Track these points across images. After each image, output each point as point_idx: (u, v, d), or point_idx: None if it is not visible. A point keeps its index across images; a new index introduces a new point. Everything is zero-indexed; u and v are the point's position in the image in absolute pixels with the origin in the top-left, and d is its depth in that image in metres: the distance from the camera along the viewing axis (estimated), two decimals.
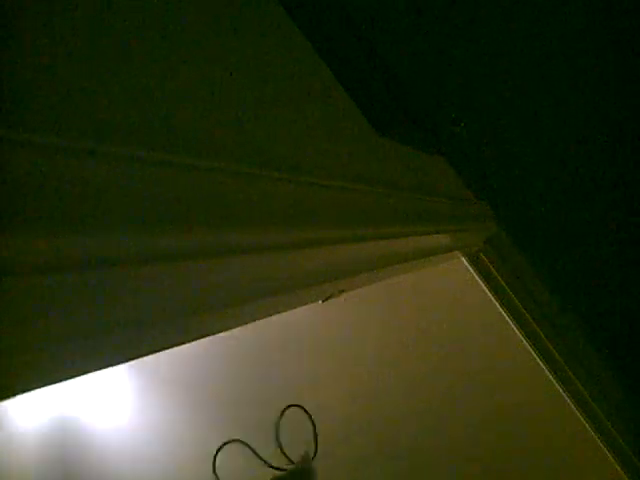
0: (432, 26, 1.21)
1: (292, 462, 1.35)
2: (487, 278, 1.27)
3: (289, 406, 1.39)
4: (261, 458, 1.34)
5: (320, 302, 0.73)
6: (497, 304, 1.28)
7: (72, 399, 1.59)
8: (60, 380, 0.33)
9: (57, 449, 1.53)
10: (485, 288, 1.27)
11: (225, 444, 1.33)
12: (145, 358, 0.39)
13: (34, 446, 1.54)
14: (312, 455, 1.38)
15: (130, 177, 0.30)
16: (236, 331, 0.56)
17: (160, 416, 1.40)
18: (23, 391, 0.30)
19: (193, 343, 0.45)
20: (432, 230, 0.90)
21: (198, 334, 0.46)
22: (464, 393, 1.35)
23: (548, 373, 1.26)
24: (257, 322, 0.57)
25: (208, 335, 0.48)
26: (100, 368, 0.36)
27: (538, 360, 1.26)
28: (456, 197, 1.13)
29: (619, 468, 1.23)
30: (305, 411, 1.40)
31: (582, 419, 1.24)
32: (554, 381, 1.25)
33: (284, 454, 1.35)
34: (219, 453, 1.33)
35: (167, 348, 0.42)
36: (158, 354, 0.42)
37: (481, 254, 1.27)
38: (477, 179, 1.28)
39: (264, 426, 1.37)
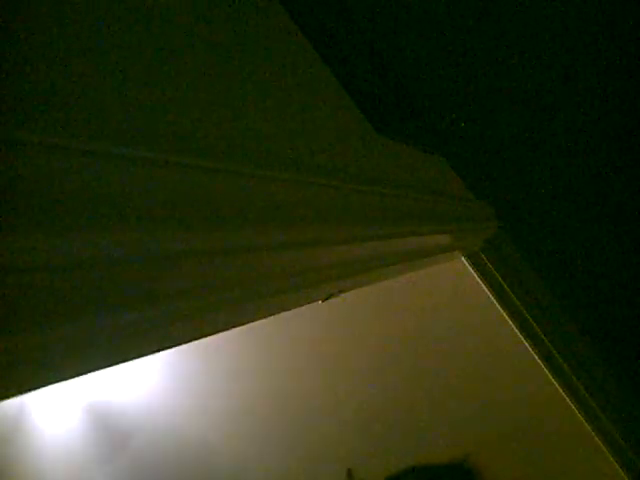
0: (432, 25, 1.21)
1: None
2: (487, 278, 1.27)
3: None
4: None
5: (320, 302, 0.73)
6: (497, 304, 1.27)
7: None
8: (68, 377, 0.33)
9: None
10: (485, 288, 1.27)
11: None
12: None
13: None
14: None
15: (131, 177, 0.30)
16: (235, 330, 0.56)
17: None
18: (33, 388, 0.30)
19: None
20: (432, 230, 0.90)
21: (196, 336, 0.46)
22: (464, 392, 1.35)
23: (547, 372, 1.26)
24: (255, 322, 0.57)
25: (205, 337, 0.48)
26: (98, 368, 0.36)
27: (537, 359, 1.26)
28: (456, 197, 1.13)
29: (619, 468, 1.23)
30: None
31: (581, 418, 1.24)
32: (553, 380, 1.25)
33: None
34: None
35: (160, 350, 0.42)
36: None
37: (481, 254, 1.27)
38: (477, 179, 1.28)
39: None
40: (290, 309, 0.63)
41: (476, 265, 1.27)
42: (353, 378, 1.42)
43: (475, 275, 1.27)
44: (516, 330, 1.27)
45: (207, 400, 1.50)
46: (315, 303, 0.71)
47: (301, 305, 0.67)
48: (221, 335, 0.47)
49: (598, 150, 1.22)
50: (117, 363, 0.37)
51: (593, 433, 1.23)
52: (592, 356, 1.26)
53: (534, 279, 1.28)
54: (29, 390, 0.30)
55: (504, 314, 1.27)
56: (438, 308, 1.34)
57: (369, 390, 1.41)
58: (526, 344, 1.26)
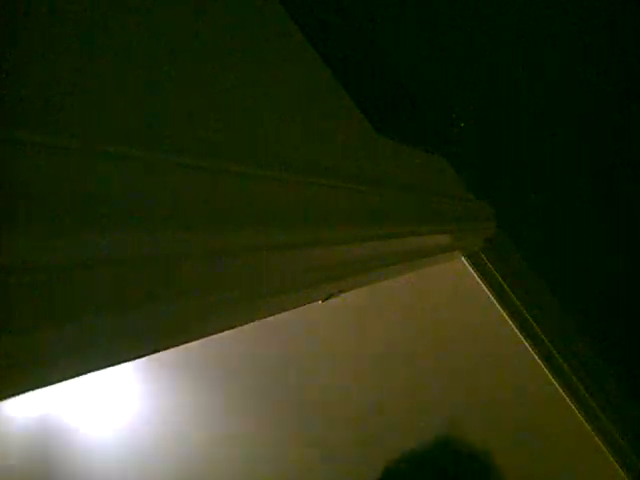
0: (433, 25, 1.21)
1: None
2: (487, 278, 1.27)
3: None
4: None
5: (320, 302, 0.73)
6: (497, 304, 1.27)
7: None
8: (68, 377, 0.33)
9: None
10: (485, 288, 1.27)
11: None
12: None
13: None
14: None
15: (131, 177, 0.30)
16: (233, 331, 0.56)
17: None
18: (33, 388, 0.30)
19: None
20: (432, 230, 0.90)
21: (196, 336, 0.46)
22: (464, 393, 1.35)
23: (547, 372, 1.26)
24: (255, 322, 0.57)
25: (205, 337, 0.48)
26: (98, 368, 0.36)
27: (538, 360, 1.26)
28: (456, 197, 1.13)
29: (619, 468, 1.23)
30: None
31: (581, 418, 1.24)
32: (553, 380, 1.25)
33: None
34: None
35: (160, 351, 0.42)
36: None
37: (481, 254, 1.27)
38: (477, 179, 1.28)
39: None
40: (290, 309, 0.63)
41: (476, 265, 1.27)
42: (352, 379, 1.42)
43: (475, 275, 1.27)
44: (516, 330, 1.27)
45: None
46: (314, 303, 0.71)
47: (301, 305, 0.67)
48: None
49: (600, 150, 1.22)
50: (117, 363, 0.37)
51: (593, 433, 1.23)
52: (592, 356, 1.26)
53: (534, 279, 1.28)
54: (29, 390, 0.30)
55: (504, 314, 1.27)
56: (438, 308, 1.34)
57: (368, 390, 1.41)
58: (526, 344, 1.26)
